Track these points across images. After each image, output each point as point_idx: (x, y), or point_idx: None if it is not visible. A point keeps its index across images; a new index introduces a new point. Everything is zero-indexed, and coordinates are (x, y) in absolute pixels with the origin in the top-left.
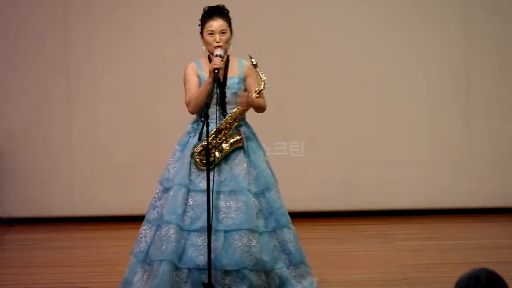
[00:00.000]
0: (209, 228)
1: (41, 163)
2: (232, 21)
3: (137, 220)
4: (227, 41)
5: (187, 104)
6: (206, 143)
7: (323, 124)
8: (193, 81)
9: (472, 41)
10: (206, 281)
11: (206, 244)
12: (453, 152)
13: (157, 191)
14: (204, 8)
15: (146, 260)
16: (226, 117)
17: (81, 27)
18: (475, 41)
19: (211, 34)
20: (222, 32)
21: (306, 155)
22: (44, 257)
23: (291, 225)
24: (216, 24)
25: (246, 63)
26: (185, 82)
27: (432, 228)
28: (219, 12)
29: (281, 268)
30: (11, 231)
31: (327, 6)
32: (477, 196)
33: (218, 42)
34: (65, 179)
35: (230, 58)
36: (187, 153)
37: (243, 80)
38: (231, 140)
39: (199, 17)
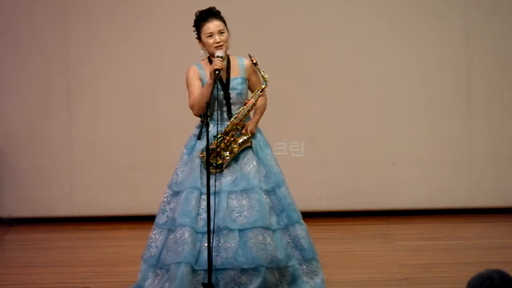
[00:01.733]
0: (209, 229)
1: (41, 163)
2: (233, 21)
3: (137, 220)
4: (226, 41)
5: (191, 108)
6: (213, 145)
7: (323, 124)
8: (195, 85)
9: (472, 41)
10: (223, 282)
11: (220, 245)
12: (453, 152)
13: (166, 195)
14: (196, 13)
15: (158, 265)
16: (232, 118)
17: (81, 27)
18: (475, 41)
19: (210, 36)
20: (221, 32)
21: (306, 155)
22: (44, 257)
23: (302, 221)
24: (214, 25)
25: (246, 61)
26: (188, 85)
27: (432, 228)
28: (213, 13)
29: (293, 265)
30: (11, 231)
31: (327, 6)
32: (477, 196)
33: (219, 42)
34: (65, 179)
35: (230, 58)
36: (195, 157)
37: (246, 79)
38: (240, 140)
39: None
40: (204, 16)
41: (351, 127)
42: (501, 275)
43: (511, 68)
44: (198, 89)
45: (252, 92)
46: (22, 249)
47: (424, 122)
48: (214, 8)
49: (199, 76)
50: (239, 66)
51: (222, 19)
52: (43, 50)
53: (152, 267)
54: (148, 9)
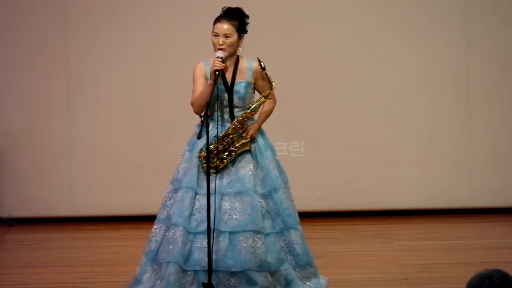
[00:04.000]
0: (209, 230)
1: (41, 163)
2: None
3: (137, 220)
4: (231, 45)
5: (192, 105)
6: (212, 146)
7: (323, 124)
8: (199, 82)
9: (472, 41)
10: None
11: (211, 246)
12: (453, 152)
13: (168, 190)
14: (225, 11)
15: (155, 260)
16: (233, 121)
17: (81, 27)
18: (475, 41)
19: (215, 36)
20: (226, 36)
21: (306, 155)
22: (44, 257)
23: (299, 226)
24: (222, 27)
25: (255, 65)
26: (192, 82)
27: (432, 228)
28: (229, 15)
29: (287, 269)
30: (11, 231)
31: (327, 7)
32: (477, 196)
33: (222, 45)
34: (65, 179)
35: (240, 60)
36: (194, 156)
37: (251, 84)
38: (239, 144)
39: (200, 17)
40: (220, 15)
41: (351, 127)
42: (501, 274)
43: (511, 68)
44: (201, 86)
45: (260, 94)
46: (22, 249)
47: (424, 122)
48: (240, 9)
49: (204, 74)
50: (246, 70)
51: (235, 23)
52: (43, 50)
53: (150, 261)
54: (148, 9)
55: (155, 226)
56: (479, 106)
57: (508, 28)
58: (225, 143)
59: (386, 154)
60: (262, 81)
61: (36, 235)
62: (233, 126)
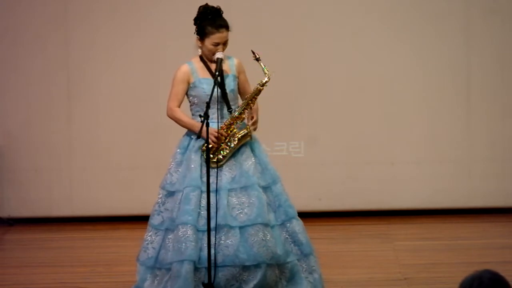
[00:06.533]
0: (208, 228)
1: (41, 163)
2: (232, 21)
3: (137, 220)
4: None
5: (168, 109)
6: (211, 144)
7: (323, 124)
8: (179, 88)
9: (472, 41)
10: (224, 278)
11: (221, 242)
12: (453, 152)
13: (160, 196)
14: (206, 12)
15: (156, 265)
16: (232, 112)
17: (81, 27)
18: (475, 41)
19: (216, 45)
20: (225, 43)
21: (306, 155)
22: (44, 257)
23: (298, 217)
24: (223, 36)
25: (236, 60)
26: (172, 85)
27: (432, 228)
28: (226, 25)
29: (292, 261)
30: (11, 231)
31: (327, 7)
32: (477, 196)
33: (222, 51)
34: (65, 179)
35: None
36: (192, 155)
37: (236, 77)
38: (239, 135)
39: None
40: (215, 22)
41: (351, 127)
42: (491, 274)
43: (511, 68)
44: (180, 92)
45: (240, 90)
46: (22, 249)
47: (424, 122)
48: (219, 8)
49: (187, 78)
50: (230, 65)
51: (228, 27)
52: (43, 50)
53: (150, 268)
54: (148, 8)
55: (149, 233)
56: (479, 106)
57: (508, 28)
58: (229, 131)
59: (386, 154)
60: (243, 76)
61: (36, 235)
62: (237, 114)
